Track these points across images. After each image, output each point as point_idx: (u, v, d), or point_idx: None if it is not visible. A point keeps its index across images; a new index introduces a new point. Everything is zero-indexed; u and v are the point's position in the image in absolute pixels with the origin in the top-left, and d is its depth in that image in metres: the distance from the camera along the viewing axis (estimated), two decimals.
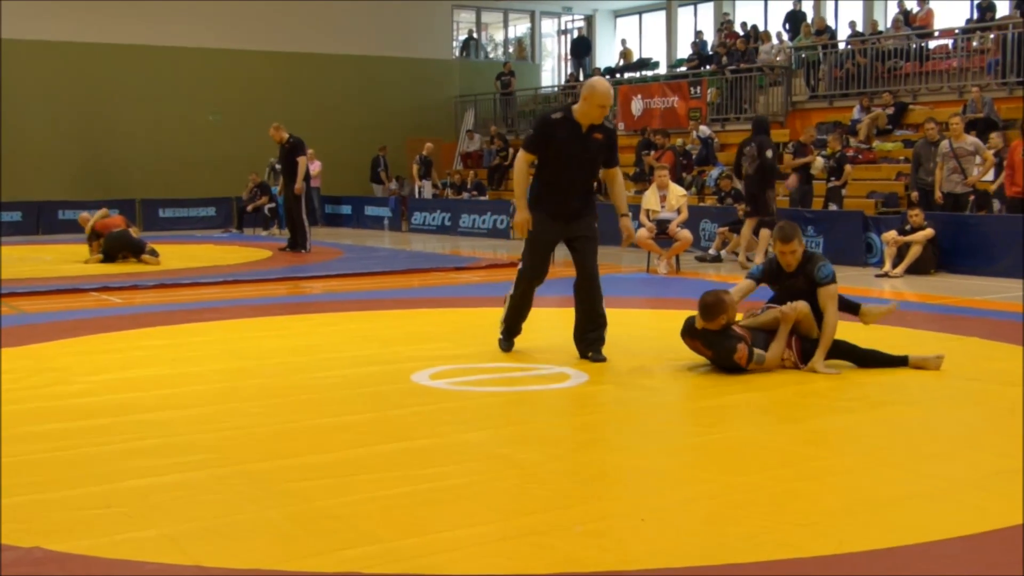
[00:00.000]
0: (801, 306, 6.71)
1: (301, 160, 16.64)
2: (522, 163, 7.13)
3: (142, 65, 24.80)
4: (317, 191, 23.63)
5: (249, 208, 23.21)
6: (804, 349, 6.75)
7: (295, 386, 6.43)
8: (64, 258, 15.83)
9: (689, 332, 6.72)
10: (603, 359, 7.09)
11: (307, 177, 17.04)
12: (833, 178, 16.02)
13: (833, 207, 15.73)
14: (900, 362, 6.75)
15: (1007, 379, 6.50)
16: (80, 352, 7.67)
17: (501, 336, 7.53)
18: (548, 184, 7.09)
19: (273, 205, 22.37)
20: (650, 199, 13.76)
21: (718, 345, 6.57)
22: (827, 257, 7.14)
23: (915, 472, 4.54)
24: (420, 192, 24.89)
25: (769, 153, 13.63)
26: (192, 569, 3.43)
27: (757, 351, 6.60)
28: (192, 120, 25.44)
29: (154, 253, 14.96)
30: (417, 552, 3.57)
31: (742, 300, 7.00)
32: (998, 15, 19.85)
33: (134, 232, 15.68)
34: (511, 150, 24.51)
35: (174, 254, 16.07)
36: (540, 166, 7.12)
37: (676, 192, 13.89)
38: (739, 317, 6.95)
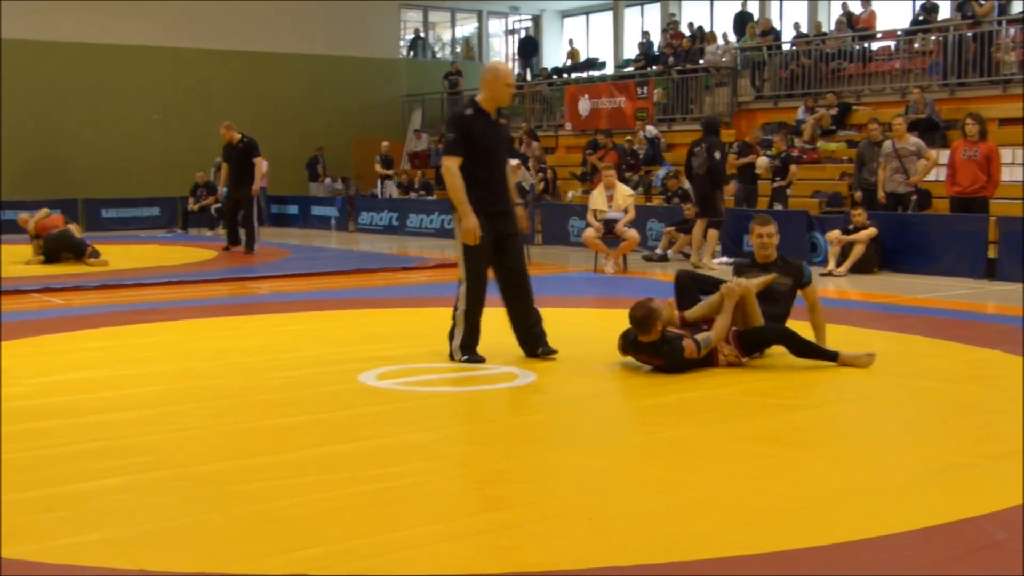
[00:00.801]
0: (745, 282, 6.82)
1: (258, 161, 16.40)
2: (455, 168, 6.92)
3: (85, 63, 24.46)
4: (264, 191, 23.42)
5: (196, 207, 22.97)
6: (744, 343, 6.81)
7: (242, 387, 6.38)
8: (5, 259, 15.53)
9: (633, 347, 6.76)
10: (555, 351, 7.14)
11: None
12: (778, 178, 16.18)
13: (778, 207, 15.87)
14: (831, 356, 6.83)
15: (948, 376, 6.61)
16: (22, 354, 7.54)
17: (466, 357, 7.02)
18: (476, 182, 6.95)
19: (219, 205, 22.12)
20: (597, 199, 13.81)
21: (664, 352, 6.61)
22: None
23: (861, 468, 4.60)
24: (389, 193, 24.72)
25: (718, 155, 13.82)
26: (136, 573, 3.39)
27: (700, 336, 6.64)
28: (136, 119, 25.12)
29: (96, 255, 14.72)
30: (365, 553, 3.55)
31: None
32: (939, 17, 20.14)
33: (75, 231, 15.41)
34: None
35: (118, 254, 15.84)
36: (463, 165, 6.95)
37: (623, 192, 13.96)
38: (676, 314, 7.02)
